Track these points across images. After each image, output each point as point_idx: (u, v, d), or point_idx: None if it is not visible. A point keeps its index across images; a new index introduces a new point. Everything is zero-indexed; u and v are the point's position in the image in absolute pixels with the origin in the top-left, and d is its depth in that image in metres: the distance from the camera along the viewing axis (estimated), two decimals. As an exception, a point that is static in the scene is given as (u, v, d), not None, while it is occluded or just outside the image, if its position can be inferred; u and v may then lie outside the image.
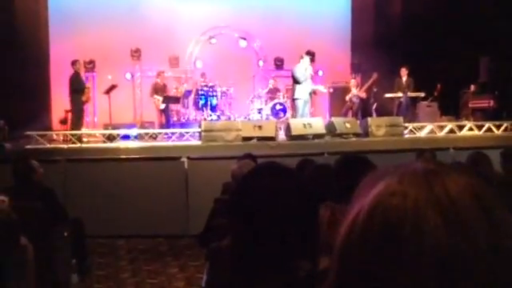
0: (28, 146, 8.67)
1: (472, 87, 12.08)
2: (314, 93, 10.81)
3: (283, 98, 12.17)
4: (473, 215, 0.60)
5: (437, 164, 0.65)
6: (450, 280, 0.58)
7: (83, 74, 11.69)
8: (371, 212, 0.62)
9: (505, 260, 0.60)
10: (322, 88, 11.34)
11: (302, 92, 10.06)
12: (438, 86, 11.55)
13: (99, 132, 10.40)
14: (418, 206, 0.60)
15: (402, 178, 0.63)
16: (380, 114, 11.67)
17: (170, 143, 9.42)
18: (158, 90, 11.63)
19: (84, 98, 10.40)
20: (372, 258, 0.61)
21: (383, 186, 0.63)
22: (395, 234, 0.60)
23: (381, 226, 0.61)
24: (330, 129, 9.46)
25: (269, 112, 11.90)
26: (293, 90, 10.38)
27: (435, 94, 11.60)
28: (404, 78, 11.65)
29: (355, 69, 13.88)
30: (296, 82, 10.11)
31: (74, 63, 10.48)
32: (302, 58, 10.30)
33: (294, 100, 10.35)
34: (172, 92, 12.29)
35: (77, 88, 10.27)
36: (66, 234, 5.09)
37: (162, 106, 11.51)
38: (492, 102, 11.51)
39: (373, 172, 0.68)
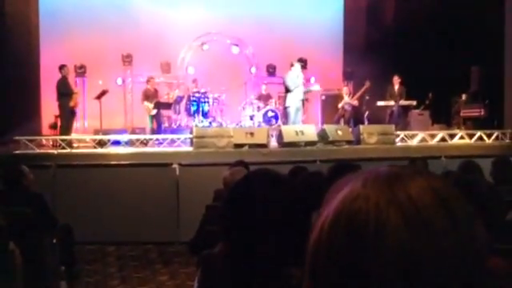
0: (17, 151, 8.59)
1: (463, 96, 12.16)
2: (306, 100, 10.82)
3: (275, 104, 12.17)
4: (434, 215, 0.60)
5: (401, 168, 0.67)
6: (415, 278, 0.58)
7: (74, 79, 11.63)
8: (336, 216, 0.63)
9: (468, 258, 0.60)
10: (316, 87, 11.39)
11: (293, 99, 10.07)
12: (430, 94, 11.61)
13: (89, 137, 10.33)
14: (380, 207, 0.61)
15: (365, 182, 0.64)
16: (372, 121, 11.71)
17: (161, 149, 9.38)
18: (149, 96, 11.58)
19: (71, 103, 10.33)
20: (339, 260, 0.62)
21: (348, 191, 0.65)
22: (359, 236, 0.60)
23: (346, 229, 0.62)
24: (322, 136, 9.46)
25: (261, 119, 11.91)
26: (284, 98, 10.40)
27: (427, 102, 11.66)
28: (396, 87, 11.72)
29: (347, 76, 13.93)
30: (287, 89, 10.14)
31: (61, 68, 10.43)
32: (292, 65, 10.31)
33: (285, 108, 10.37)
34: (163, 98, 12.26)
35: (64, 93, 10.21)
36: (54, 240, 5.03)
37: (153, 112, 11.46)
38: (483, 111, 11.58)
39: (341, 179, 0.69)
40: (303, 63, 12.91)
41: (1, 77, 10.65)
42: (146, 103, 11.45)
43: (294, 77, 10.11)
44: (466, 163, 5.03)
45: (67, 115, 10.39)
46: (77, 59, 12.26)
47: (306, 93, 10.49)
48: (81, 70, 12.51)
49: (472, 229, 0.62)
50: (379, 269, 0.59)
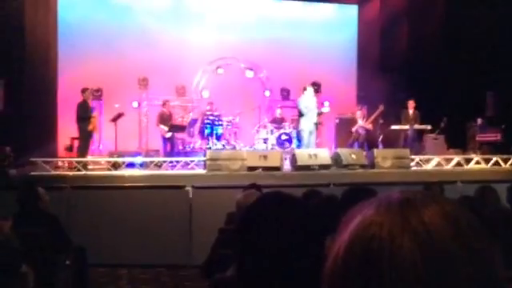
0: (33, 173, 8.67)
1: (479, 121, 12.07)
2: (320, 123, 10.84)
3: (289, 128, 12.20)
4: (448, 241, 0.60)
5: (413, 193, 0.67)
6: None
7: (90, 102, 11.78)
8: (351, 244, 0.64)
9: (483, 285, 0.60)
10: (326, 109, 11.40)
11: (306, 123, 10.12)
12: (445, 118, 11.55)
13: (104, 159, 10.41)
14: (394, 234, 0.61)
15: (378, 209, 0.64)
16: (386, 145, 11.65)
17: (174, 172, 9.41)
18: (164, 119, 11.72)
19: (90, 127, 10.44)
20: (356, 287, 0.62)
21: (361, 218, 0.65)
22: (374, 263, 0.60)
23: (360, 257, 0.62)
24: (336, 160, 9.44)
25: (274, 142, 11.92)
26: (298, 121, 10.46)
27: (442, 126, 11.60)
28: (411, 111, 11.69)
29: (361, 100, 13.93)
30: (300, 113, 10.20)
31: (83, 91, 10.54)
32: (305, 89, 10.37)
33: (298, 131, 10.42)
34: (178, 120, 12.36)
35: (83, 116, 10.31)
36: (68, 262, 5.03)
37: (169, 135, 11.56)
38: (499, 136, 11.47)
39: (354, 207, 0.69)
40: (316, 87, 12.95)
41: (19, 99, 10.81)
42: (162, 126, 11.59)
43: (307, 101, 10.16)
44: (483, 188, 4.96)
45: (85, 138, 10.48)
46: (93, 82, 12.42)
47: (318, 115, 10.49)
48: (97, 93, 12.67)
49: (487, 255, 0.61)
50: None
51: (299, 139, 10.85)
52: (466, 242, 0.61)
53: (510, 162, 10.30)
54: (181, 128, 12.20)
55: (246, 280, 1.51)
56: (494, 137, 11.59)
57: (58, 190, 7.51)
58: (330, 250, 0.68)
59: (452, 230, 0.61)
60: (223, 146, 11.89)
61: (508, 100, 11.44)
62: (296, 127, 11.10)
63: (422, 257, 0.59)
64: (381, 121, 12.10)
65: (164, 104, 12.02)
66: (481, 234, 0.63)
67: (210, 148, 11.25)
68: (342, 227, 0.67)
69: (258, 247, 1.49)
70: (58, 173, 9.07)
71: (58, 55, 12.94)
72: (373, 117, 12.06)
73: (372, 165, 9.48)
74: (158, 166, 9.95)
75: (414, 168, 9.98)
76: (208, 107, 12.57)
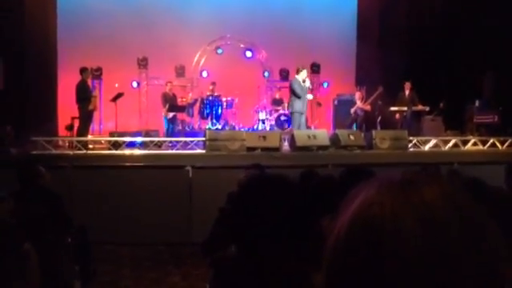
0: (34, 152, 8.71)
1: (476, 102, 12.09)
2: (318, 104, 10.79)
3: (287, 108, 12.20)
4: (449, 219, 0.62)
5: (414, 174, 0.68)
6: (430, 280, 0.60)
7: (90, 81, 11.76)
8: (353, 222, 0.65)
9: (482, 260, 0.61)
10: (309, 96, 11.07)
11: (298, 105, 9.96)
12: (443, 100, 11.57)
13: (105, 139, 10.45)
14: (395, 213, 0.62)
15: (380, 189, 0.66)
16: (384, 127, 11.69)
17: (174, 152, 9.46)
18: (167, 99, 11.78)
19: (91, 107, 10.42)
20: (357, 266, 0.63)
21: (363, 198, 0.66)
22: (376, 241, 0.62)
23: (362, 235, 0.63)
24: (335, 141, 9.48)
25: (273, 122, 11.95)
26: (291, 103, 10.26)
27: (440, 107, 11.62)
28: (407, 92, 11.70)
29: (360, 81, 13.93)
30: (295, 95, 10.03)
31: (82, 71, 10.47)
32: (299, 70, 10.22)
33: (291, 112, 10.28)
34: (178, 101, 12.39)
35: (83, 96, 10.28)
36: (69, 240, 5.10)
37: (171, 115, 11.61)
38: (496, 118, 11.50)
39: (355, 187, 0.70)
40: (317, 68, 12.93)
41: (19, 79, 10.81)
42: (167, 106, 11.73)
43: (301, 82, 10.06)
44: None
45: (85, 118, 10.48)
46: (93, 62, 12.40)
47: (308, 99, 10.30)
48: (97, 73, 12.65)
49: (486, 234, 0.63)
50: (395, 272, 0.61)
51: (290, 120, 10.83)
52: (465, 221, 0.62)
53: (506, 144, 10.36)
54: (180, 108, 12.23)
55: (246, 258, 1.57)
56: (491, 119, 11.62)
57: (59, 168, 7.57)
58: (328, 229, 0.69)
59: (452, 210, 0.63)
60: (223, 126, 11.93)
61: (506, 82, 11.45)
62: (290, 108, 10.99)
63: (423, 234, 0.60)
64: (379, 102, 12.12)
65: (167, 84, 12.07)
66: (479, 211, 0.65)
67: (209, 128, 11.28)
68: (343, 207, 0.68)
69: (255, 226, 1.54)
70: (59, 152, 9.12)
71: (57, 34, 12.89)
72: (371, 98, 12.08)
73: (370, 146, 9.53)
74: (158, 145, 10.00)
75: (412, 149, 10.03)
76: (211, 87, 12.53)
